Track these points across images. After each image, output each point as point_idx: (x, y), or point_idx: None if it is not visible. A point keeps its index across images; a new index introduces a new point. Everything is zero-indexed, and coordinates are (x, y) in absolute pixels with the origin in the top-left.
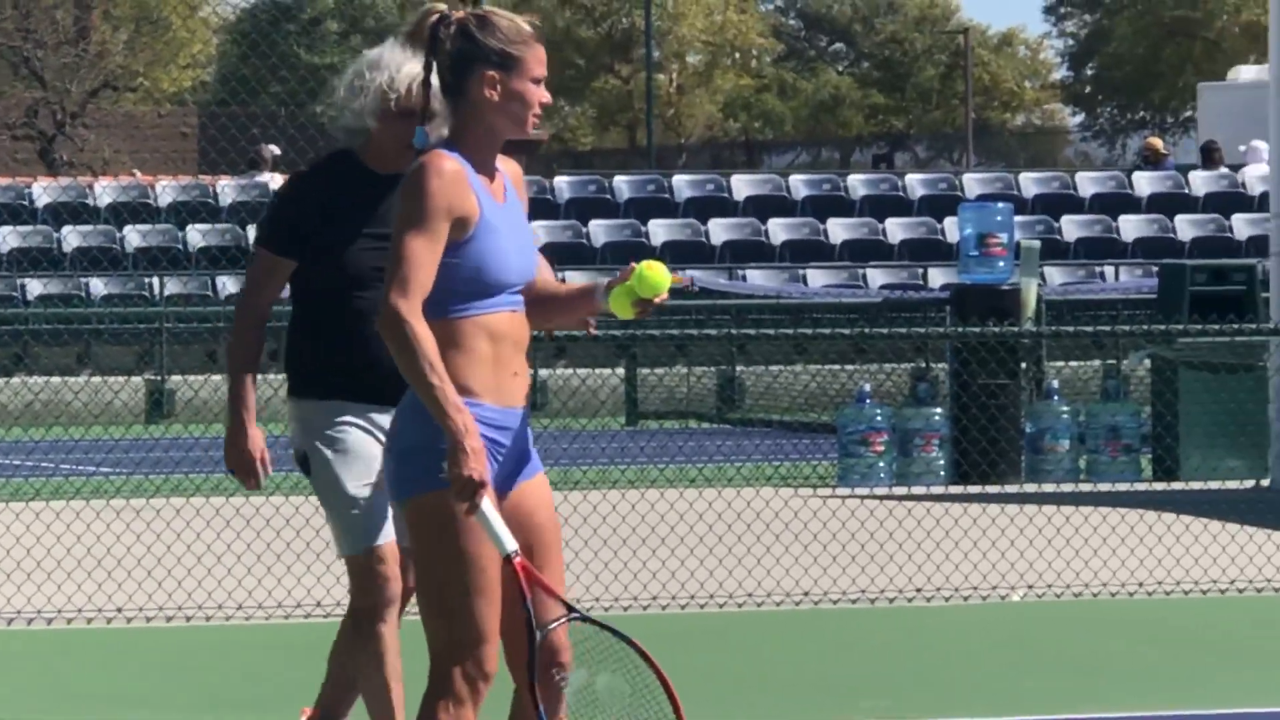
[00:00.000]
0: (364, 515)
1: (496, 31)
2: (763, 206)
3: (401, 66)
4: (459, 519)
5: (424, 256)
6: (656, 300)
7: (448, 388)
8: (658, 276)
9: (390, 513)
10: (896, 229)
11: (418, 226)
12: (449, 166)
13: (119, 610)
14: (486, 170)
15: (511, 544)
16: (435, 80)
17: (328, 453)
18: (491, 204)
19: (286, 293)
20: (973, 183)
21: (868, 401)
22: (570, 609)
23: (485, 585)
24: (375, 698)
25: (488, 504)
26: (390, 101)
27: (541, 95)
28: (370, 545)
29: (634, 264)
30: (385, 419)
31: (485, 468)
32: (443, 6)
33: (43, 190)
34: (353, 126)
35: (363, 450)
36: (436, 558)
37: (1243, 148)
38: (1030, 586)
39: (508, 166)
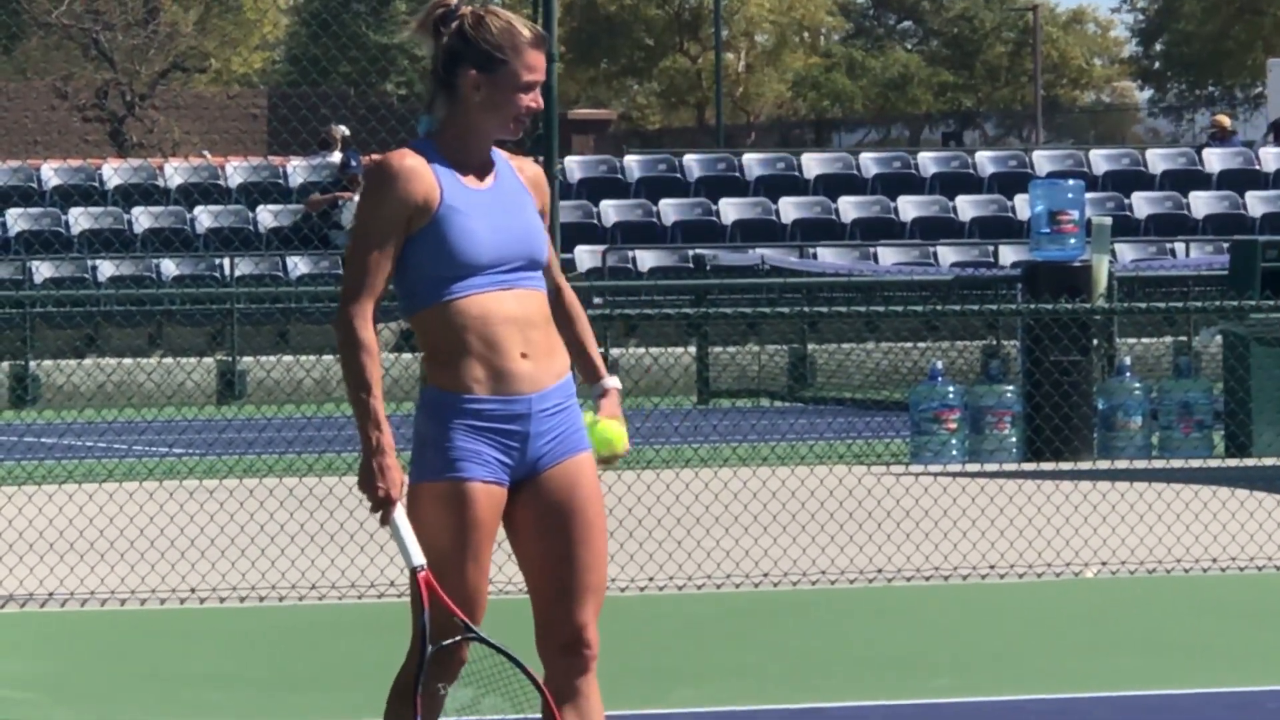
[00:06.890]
0: None
1: (488, 33)
2: (833, 185)
3: None
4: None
5: (374, 259)
6: (607, 460)
7: (375, 403)
8: (606, 439)
9: None
10: (967, 206)
11: (368, 229)
12: (400, 164)
13: (192, 590)
14: (468, 163)
15: (419, 559)
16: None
17: None
18: (458, 189)
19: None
20: (1043, 160)
21: (940, 379)
22: (468, 628)
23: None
24: None
25: (400, 515)
26: None
27: (527, 102)
28: None
29: (598, 417)
30: None
31: (396, 485)
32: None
33: (113, 171)
34: None
35: None
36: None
37: None
38: (1104, 563)
39: (525, 168)
